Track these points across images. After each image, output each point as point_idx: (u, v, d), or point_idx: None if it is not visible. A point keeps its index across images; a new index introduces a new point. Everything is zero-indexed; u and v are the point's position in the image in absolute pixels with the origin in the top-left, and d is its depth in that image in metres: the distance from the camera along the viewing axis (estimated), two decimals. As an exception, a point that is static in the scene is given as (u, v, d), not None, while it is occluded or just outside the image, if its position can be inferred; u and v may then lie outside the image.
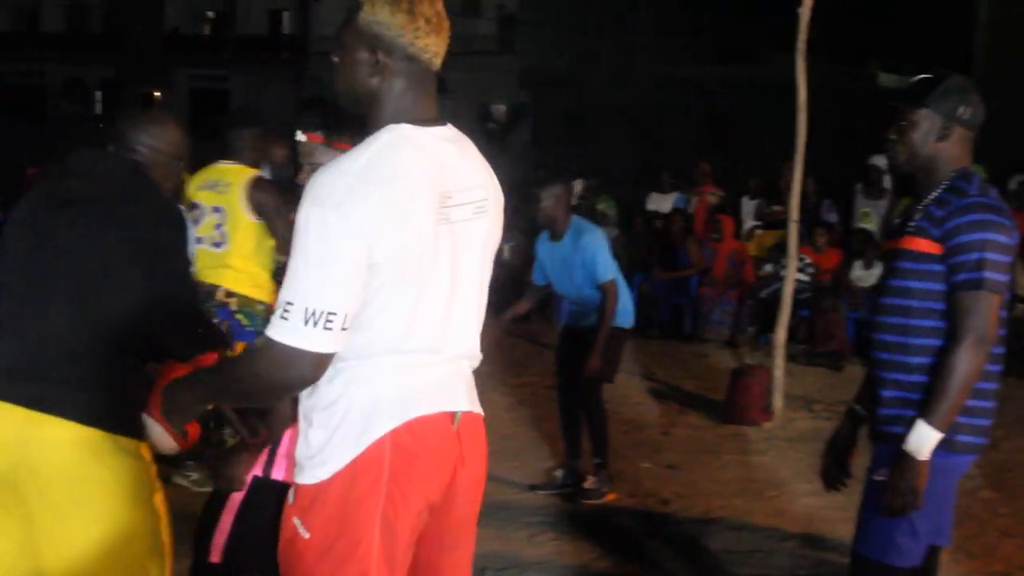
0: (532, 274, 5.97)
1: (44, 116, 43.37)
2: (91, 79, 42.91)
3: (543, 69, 33.93)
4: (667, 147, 23.33)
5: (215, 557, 2.78)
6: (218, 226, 4.75)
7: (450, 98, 38.38)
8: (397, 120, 2.22)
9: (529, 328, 9.91)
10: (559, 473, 5.94)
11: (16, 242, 2.56)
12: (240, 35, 40.68)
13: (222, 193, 4.75)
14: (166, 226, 2.64)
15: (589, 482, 5.76)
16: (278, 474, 2.82)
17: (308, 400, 2.24)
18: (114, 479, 2.51)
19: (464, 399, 2.31)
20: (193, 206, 4.77)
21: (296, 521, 2.21)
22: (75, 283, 2.49)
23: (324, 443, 2.19)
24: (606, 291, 5.54)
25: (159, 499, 2.69)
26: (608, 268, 5.56)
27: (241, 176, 4.78)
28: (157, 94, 43.44)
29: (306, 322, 2.04)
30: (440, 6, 2.25)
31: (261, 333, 3.65)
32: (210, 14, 44.39)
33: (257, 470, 2.79)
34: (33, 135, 25.43)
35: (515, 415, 5.79)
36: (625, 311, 5.80)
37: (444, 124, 2.30)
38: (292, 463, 2.40)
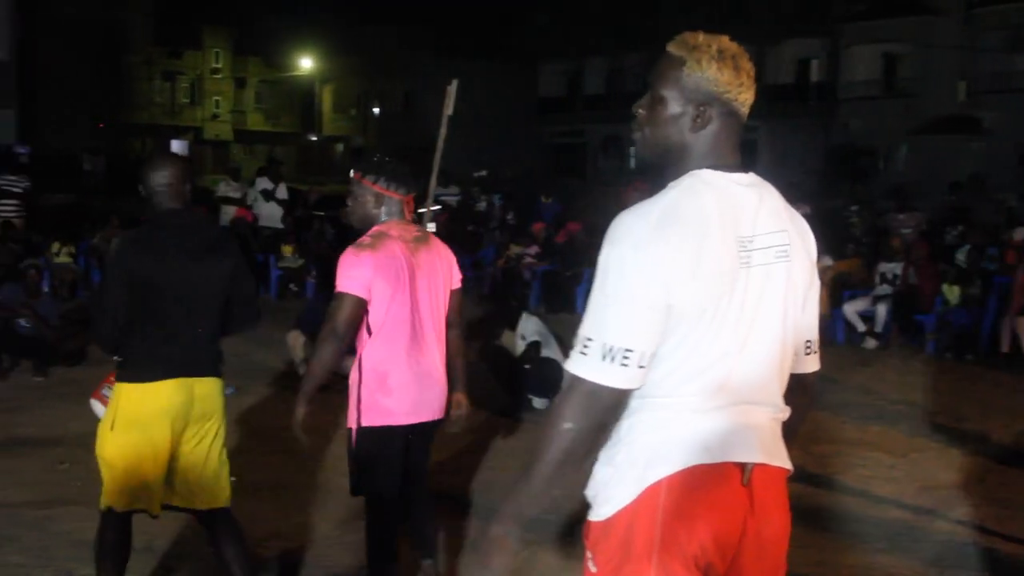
0: None
1: (584, 172, 46.46)
2: (626, 136, 45.44)
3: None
4: None
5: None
6: None
7: (986, 138, 35.97)
8: (700, 166, 2.26)
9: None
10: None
11: (166, 284, 3.89)
12: (768, 84, 40.96)
13: None
14: (236, 255, 4.15)
15: None
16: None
17: None
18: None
19: (757, 451, 2.23)
20: None
21: (588, 554, 2.27)
22: (212, 301, 4.03)
23: (608, 480, 2.22)
24: None
25: None
26: None
27: None
28: (685, 147, 45.11)
29: (603, 357, 2.10)
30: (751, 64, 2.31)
31: None
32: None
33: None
34: (575, 189, 27.31)
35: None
36: None
37: (746, 171, 2.29)
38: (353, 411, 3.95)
